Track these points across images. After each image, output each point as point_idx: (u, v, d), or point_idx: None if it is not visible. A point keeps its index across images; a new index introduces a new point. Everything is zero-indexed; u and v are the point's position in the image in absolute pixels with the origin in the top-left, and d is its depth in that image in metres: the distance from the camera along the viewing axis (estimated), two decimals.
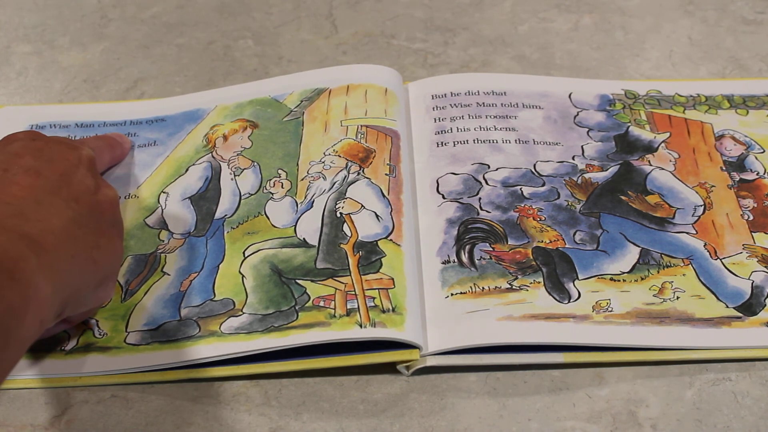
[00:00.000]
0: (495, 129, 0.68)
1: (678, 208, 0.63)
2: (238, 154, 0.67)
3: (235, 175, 0.65)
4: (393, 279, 0.57)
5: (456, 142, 0.67)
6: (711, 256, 0.60)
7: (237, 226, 0.62)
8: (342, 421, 0.53)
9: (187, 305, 0.58)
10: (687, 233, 0.62)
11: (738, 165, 0.66)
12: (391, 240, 0.60)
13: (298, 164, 0.65)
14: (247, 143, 0.67)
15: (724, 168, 0.66)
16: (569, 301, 0.57)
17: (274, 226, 0.61)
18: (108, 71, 0.77)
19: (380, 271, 0.58)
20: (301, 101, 0.70)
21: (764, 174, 0.66)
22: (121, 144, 0.67)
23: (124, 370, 0.55)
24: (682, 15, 0.82)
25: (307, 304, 0.56)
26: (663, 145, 0.68)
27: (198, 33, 0.81)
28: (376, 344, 0.54)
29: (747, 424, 0.53)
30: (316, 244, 0.60)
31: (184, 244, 0.61)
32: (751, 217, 0.63)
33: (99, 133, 0.69)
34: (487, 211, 0.62)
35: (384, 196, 0.62)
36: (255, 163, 0.66)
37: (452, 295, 0.58)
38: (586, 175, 0.65)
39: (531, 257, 0.60)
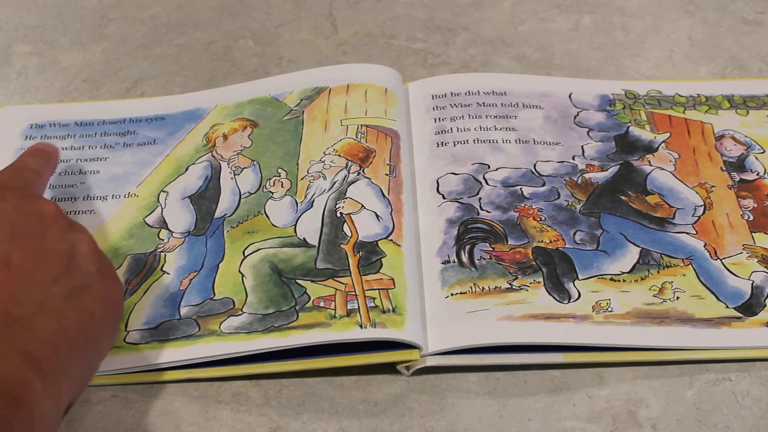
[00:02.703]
0: (495, 129, 0.68)
1: (678, 208, 0.63)
2: (238, 154, 0.67)
3: (234, 174, 0.65)
4: (393, 279, 0.57)
5: (456, 142, 0.67)
6: (711, 257, 0.60)
7: (237, 225, 0.62)
8: (342, 421, 0.53)
9: (187, 304, 0.58)
10: (687, 233, 0.62)
11: (738, 165, 0.66)
12: (391, 240, 0.60)
13: (298, 163, 0.65)
14: (247, 142, 0.67)
15: (724, 168, 0.66)
16: (569, 301, 0.57)
17: (274, 226, 0.61)
18: (108, 71, 0.77)
19: (380, 271, 0.58)
20: (301, 100, 0.70)
21: (764, 174, 0.66)
22: (49, 153, 0.59)
23: (124, 370, 0.55)
24: (682, 15, 0.82)
25: (307, 305, 0.56)
26: (663, 145, 0.68)
27: (198, 33, 0.81)
28: (376, 344, 0.54)
29: (747, 424, 0.53)
30: (316, 244, 0.60)
31: (183, 243, 0.61)
32: (751, 218, 0.63)
33: (98, 133, 0.69)
34: (487, 211, 0.62)
35: (384, 196, 0.62)
36: (255, 162, 0.66)
37: (452, 295, 0.57)
38: (586, 175, 0.65)
39: (531, 257, 0.60)
